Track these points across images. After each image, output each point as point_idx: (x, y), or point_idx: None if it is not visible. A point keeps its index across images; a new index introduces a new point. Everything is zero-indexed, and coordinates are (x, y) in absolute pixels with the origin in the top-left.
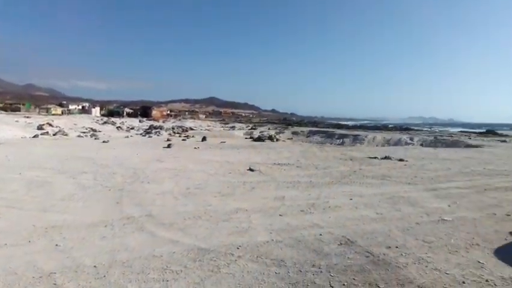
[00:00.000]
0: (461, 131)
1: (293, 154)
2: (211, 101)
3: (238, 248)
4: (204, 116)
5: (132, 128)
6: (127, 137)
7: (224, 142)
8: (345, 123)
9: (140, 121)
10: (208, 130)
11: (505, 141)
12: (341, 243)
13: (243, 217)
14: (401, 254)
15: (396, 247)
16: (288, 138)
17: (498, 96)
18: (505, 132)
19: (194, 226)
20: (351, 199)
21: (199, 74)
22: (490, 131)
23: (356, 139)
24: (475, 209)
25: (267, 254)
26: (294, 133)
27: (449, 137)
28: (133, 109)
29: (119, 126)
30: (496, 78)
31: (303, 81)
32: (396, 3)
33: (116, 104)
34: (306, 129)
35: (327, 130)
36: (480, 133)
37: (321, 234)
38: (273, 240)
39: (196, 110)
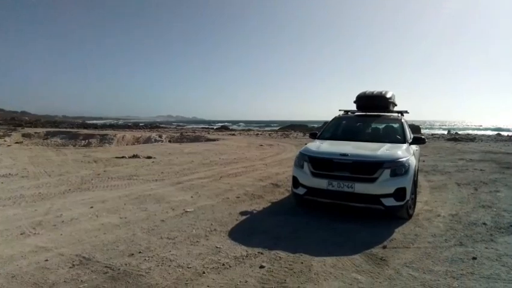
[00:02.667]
0: (202, 127)
1: (18, 161)
2: None
3: None
4: None
5: None
6: None
7: None
8: (93, 122)
9: None
10: None
11: (234, 134)
12: (73, 265)
13: None
14: (145, 259)
15: (140, 252)
16: (17, 142)
17: (230, 100)
18: (235, 127)
19: None
20: (91, 207)
21: None
22: (224, 127)
23: (104, 139)
24: (213, 196)
25: None
26: (25, 135)
27: (193, 133)
28: None
29: None
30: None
31: (35, 75)
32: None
33: None
34: (43, 130)
35: (71, 130)
36: (217, 129)
37: (47, 260)
38: None
39: None
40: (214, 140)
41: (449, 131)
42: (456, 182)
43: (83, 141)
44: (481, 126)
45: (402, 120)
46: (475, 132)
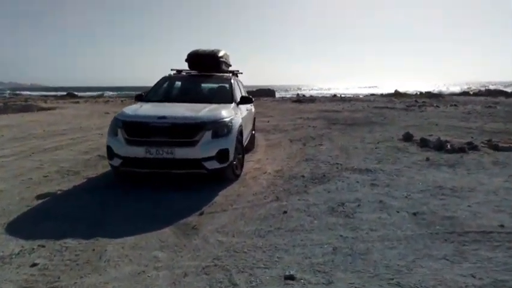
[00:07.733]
0: (42, 95)
1: None
2: None
3: None
4: None
5: None
6: None
7: None
8: None
9: None
10: None
11: (78, 102)
12: None
13: None
14: None
15: None
16: None
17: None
18: (84, 95)
19: None
20: None
21: None
22: (71, 94)
23: None
24: (9, 179)
25: None
26: None
27: (24, 102)
28: None
29: None
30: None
31: None
32: None
33: None
34: None
35: None
36: (60, 96)
37: None
38: None
39: None
40: (49, 109)
41: (297, 94)
42: (290, 139)
43: None
44: (327, 88)
45: (232, 80)
46: (317, 93)
